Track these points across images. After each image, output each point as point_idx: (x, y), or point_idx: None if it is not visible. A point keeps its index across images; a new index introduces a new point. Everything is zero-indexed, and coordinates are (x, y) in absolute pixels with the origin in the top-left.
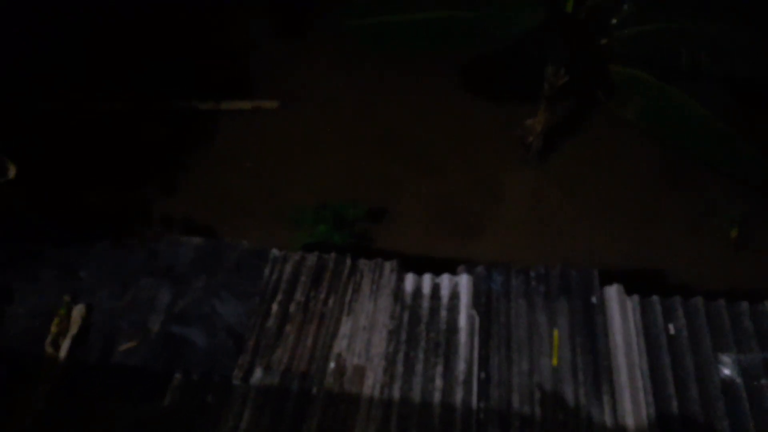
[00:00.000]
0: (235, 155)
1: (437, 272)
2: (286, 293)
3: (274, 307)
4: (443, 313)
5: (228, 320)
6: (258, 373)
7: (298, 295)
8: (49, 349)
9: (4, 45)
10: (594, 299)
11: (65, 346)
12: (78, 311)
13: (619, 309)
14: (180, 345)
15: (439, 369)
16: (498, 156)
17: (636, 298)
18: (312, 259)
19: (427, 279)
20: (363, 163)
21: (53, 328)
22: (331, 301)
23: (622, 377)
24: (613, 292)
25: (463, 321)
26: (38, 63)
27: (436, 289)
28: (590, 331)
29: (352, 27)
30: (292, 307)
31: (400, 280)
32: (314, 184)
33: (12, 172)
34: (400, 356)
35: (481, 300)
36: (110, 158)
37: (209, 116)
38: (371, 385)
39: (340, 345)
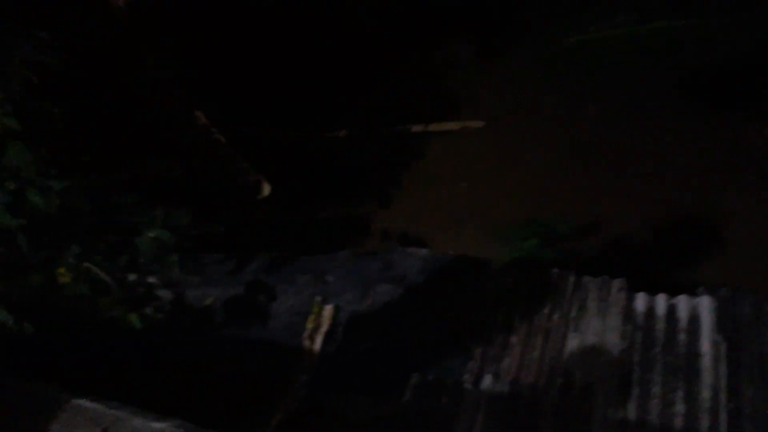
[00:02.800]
0: (443, 172)
1: (654, 292)
2: (509, 306)
3: (499, 318)
4: (681, 337)
5: (451, 327)
6: (488, 380)
7: (522, 309)
8: (306, 343)
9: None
10: None
11: (318, 341)
12: (328, 311)
13: None
14: (412, 348)
15: (680, 394)
16: (725, 169)
17: None
18: (534, 273)
19: (661, 299)
20: (570, 177)
21: (309, 325)
22: (555, 317)
23: None
24: None
25: (705, 346)
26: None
27: (671, 310)
28: None
29: (566, 46)
30: (516, 320)
31: (630, 299)
32: (521, 199)
33: (267, 190)
34: (635, 377)
35: (727, 325)
36: (336, 178)
37: (420, 137)
38: (602, 404)
39: (567, 361)
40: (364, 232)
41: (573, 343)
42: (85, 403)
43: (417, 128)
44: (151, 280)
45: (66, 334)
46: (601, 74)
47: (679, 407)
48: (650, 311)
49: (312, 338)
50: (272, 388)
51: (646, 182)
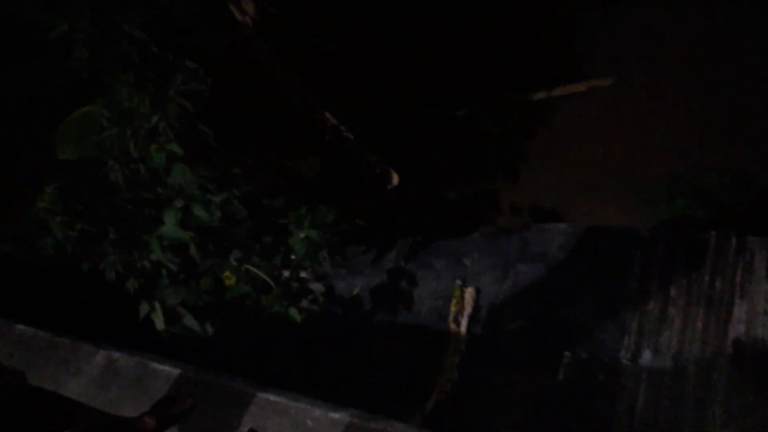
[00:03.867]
0: (572, 138)
1: None
2: (663, 275)
3: (652, 288)
4: None
5: (601, 301)
6: (647, 355)
7: (678, 277)
8: (453, 326)
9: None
10: None
11: (464, 323)
12: (469, 294)
13: None
14: (560, 325)
15: None
16: None
17: None
18: (688, 237)
19: None
20: (714, 128)
21: (453, 308)
22: (717, 284)
23: None
24: None
25: None
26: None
27: None
28: None
29: None
30: (673, 290)
31: None
32: (662, 157)
33: (395, 179)
34: None
35: None
36: (461, 158)
37: (543, 105)
38: None
39: (736, 330)
40: (494, 209)
41: (740, 310)
42: (270, 396)
43: (539, 95)
44: (303, 275)
45: (235, 331)
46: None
47: None
48: None
49: (457, 321)
50: (424, 370)
51: None
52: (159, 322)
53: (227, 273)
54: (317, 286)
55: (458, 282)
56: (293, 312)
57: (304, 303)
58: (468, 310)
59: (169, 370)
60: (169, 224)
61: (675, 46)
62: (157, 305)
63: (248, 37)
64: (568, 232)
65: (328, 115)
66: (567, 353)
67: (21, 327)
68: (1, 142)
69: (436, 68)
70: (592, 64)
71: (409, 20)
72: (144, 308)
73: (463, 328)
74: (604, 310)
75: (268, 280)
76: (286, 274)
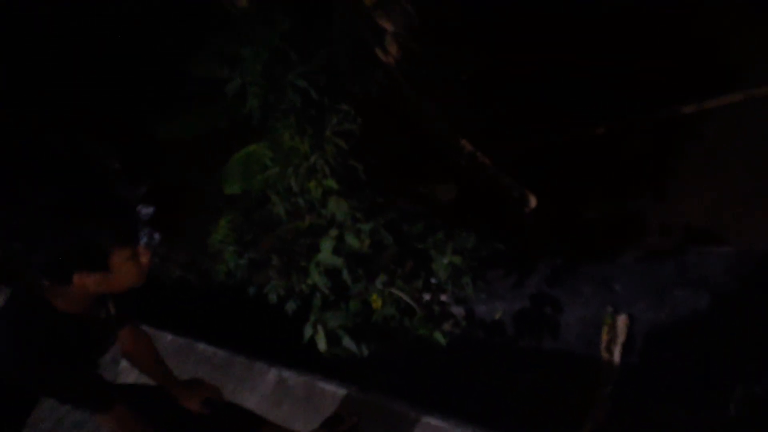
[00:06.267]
0: (729, 153)
1: None
2: None
3: None
4: None
5: None
6: None
7: None
8: (605, 354)
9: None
10: None
11: (617, 352)
12: (622, 321)
13: None
14: (726, 357)
15: None
16: None
17: None
18: None
19: None
20: None
21: (604, 336)
22: None
23: None
24: None
25: None
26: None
27: None
28: None
29: None
30: None
31: None
32: None
33: (533, 201)
34: None
35: None
36: (601, 177)
37: (694, 118)
38: None
39: None
40: (643, 232)
41: None
42: (431, 420)
43: (689, 109)
44: (443, 298)
45: (386, 354)
46: None
47: None
48: None
49: (610, 349)
50: (574, 400)
51: None
52: (322, 344)
53: (374, 296)
54: (458, 310)
55: (610, 309)
56: (437, 335)
57: (446, 326)
58: (621, 338)
59: (335, 390)
60: (325, 251)
61: None
62: (320, 327)
63: (392, 75)
64: (731, 255)
65: (464, 141)
66: (738, 386)
67: (202, 346)
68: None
69: (570, 88)
70: (748, 71)
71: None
72: (308, 330)
73: (616, 357)
74: None
75: (411, 302)
76: (427, 297)
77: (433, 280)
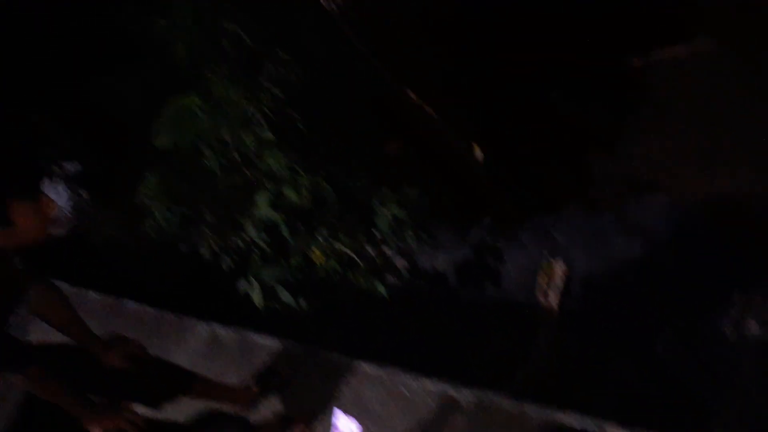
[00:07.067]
0: (675, 106)
1: None
2: None
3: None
4: None
5: (704, 275)
6: (753, 327)
7: None
8: (541, 300)
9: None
10: None
11: (554, 297)
12: (559, 267)
13: None
14: (658, 300)
15: None
16: None
17: None
18: None
19: None
20: None
21: (540, 281)
22: None
23: None
24: None
25: None
26: None
27: None
28: None
29: None
30: None
31: None
32: None
33: (478, 154)
34: None
35: None
36: (551, 130)
37: (641, 71)
38: None
39: None
40: (587, 182)
41: None
42: (367, 367)
43: (636, 61)
44: (386, 251)
45: (326, 307)
46: None
47: None
48: None
49: (546, 295)
50: (514, 344)
51: None
52: (257, 298)
53: (316, 250)
54: (401, 262)
55: (545, 253)
56: (380, 286)
57: (390, 279)
58: (558, 283)
59: (270, 343)
60: (262, 205)
61: None
62: (255, 282)
63: (337, 24)
64: (667, 205)
65: (410, 93)
66: (665, 326)
67: (131, 304)
68: (105, 136)
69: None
70: (695, 25)
71: None
72: (242, 285)
73: (553, 303)
74: (706, 284)
75: (354, 256)
76: (370, 251)
77: (376, 234)
